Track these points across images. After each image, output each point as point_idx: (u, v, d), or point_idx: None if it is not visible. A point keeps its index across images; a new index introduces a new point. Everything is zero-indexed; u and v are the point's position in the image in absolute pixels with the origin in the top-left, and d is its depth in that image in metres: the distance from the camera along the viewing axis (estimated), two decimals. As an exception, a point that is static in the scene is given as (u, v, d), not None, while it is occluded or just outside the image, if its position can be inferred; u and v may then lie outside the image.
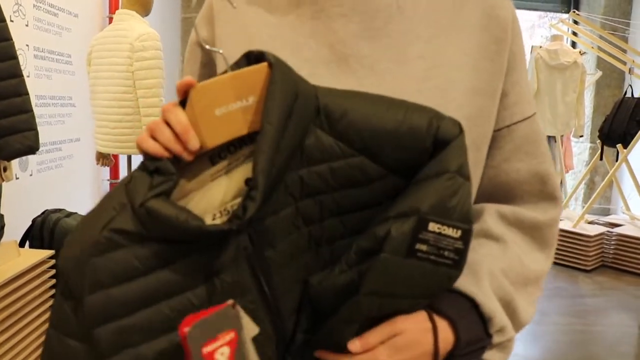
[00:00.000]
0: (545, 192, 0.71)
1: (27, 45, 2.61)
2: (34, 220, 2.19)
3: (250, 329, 0.54)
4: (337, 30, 0.65)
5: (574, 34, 5.56)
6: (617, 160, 4.51)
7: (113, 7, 3.52)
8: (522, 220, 0.69)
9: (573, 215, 4.64)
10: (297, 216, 0.58)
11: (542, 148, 0.71)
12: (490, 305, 0.61)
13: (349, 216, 0.59)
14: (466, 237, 0.55)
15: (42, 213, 2.25)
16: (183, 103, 0.55)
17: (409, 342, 0.57)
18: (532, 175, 0.70)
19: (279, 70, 0.55)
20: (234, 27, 0.70)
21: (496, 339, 0.63)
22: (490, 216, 0.69)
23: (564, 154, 5.25)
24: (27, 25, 2.59)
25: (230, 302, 0.53)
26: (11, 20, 2.44)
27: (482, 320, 0.61)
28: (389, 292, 0.56)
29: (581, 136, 4.89)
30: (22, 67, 1.65)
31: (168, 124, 0.54)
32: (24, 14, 2.56)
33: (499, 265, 0.65)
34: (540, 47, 4.73)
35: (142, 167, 0.54)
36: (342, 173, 0.57)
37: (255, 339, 0.55)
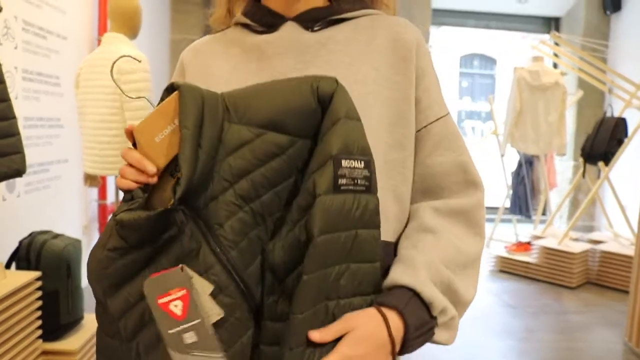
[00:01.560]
0: (468, 180, 0.82)
1: (16, 68, 2.63)
2: (20, 242, 2.19)
3: (205, 286, 0.68)
4: (275, 66, 0.81)
5: (555, 55, 5.68)
6: (599, 178, 4.58)
7: (102, 30, 3.56)
8: (452, 208, 0.81)
9: (558, 233, 4.69)
10: (236, 197, 0.70)
11: (459, 142, 0.84)
12: (429, 291, 0.72)
13: (279, 187, 0.71)
14: (369, 166, 0.69)
15: (29, 235, 2.25)
16: (134, 145, 0.72)
17: (365, 335, 0.67)
18: (455, 167, 0.82)
19: (184, 88, 0.69)
20: (202, 75, 0.87)
21: (440, 319, 0.73)
22: (425, 211, 0.81)
23: (547, 173, 5.33)
24: (16, 48, 2.62)
25: (179, 266, 0.67)
26: (0, 43, 2.46)
27: (425, 305, 0.72)
28: (333, 227, 0.66)
29: (564, 154, 4.97)
30: (11, 89, 1.66)
31: (130, 164, 0.71)
32: (13, 37, 2.59)
33: (435, 254, 0.76)
34: (522, 68, 4.82)
35: (123, 199, 0.72)
36: (259, 150, 0.70)
37: (225, 305, 0.68)
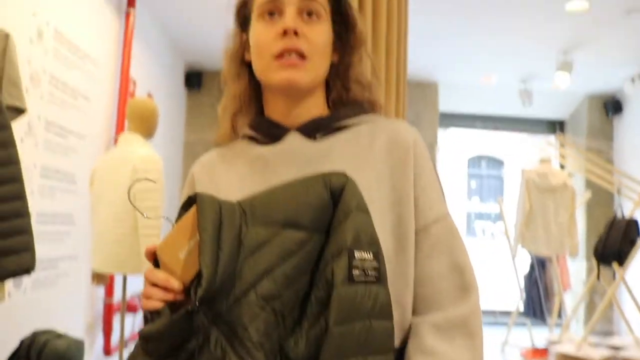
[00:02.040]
0: (464, 284, 0.82)
1: (35, 165, 2.70)
2: (21, 341, 2.14)
3: None
4: (280, 176, 0.82)
5: (562, 156, 5.77)
6: (614, 279, 4.48)
7: (119, 129, 3.69)
8: (451, 321, 0.80)
9: (575, 338, 4.52)
10: (258, 297, 0.71)
11: (457, 242, 0.84)
12: None
13: (298, 284, 0.72)
14: (377, 258, 0.72)
15: (32, 334, 2.20)
16: (156, 263, 0.73)
17: None
18: (451, 270, 0.82)
19: (201, 196, 0.72)
20: (211, 188, 0.88)
21: None
22: (425, 331, 0.80)
23: (560, 274, 5.23)
24: (36, 146, 2.71)
25: None
26: (22, 142, 2.55)
27: None
28: (348, 318, 0.68)
29: (576, 255, 4.91)
30: (28, 185, 1.70)
31: (155, 284, 0.72)
32: (35, 136, 2.68)
33: None
34: (530, 170, 4.88)
35: (146, 320, 0.74)
36: (279, 249, 0.72)
37: None
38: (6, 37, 1.82)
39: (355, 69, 0.93)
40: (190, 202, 0.74)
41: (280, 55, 0.83)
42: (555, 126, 6.75)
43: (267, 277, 0.71)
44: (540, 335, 5.19)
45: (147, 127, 2.88)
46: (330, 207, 0.73)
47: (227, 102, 0.95)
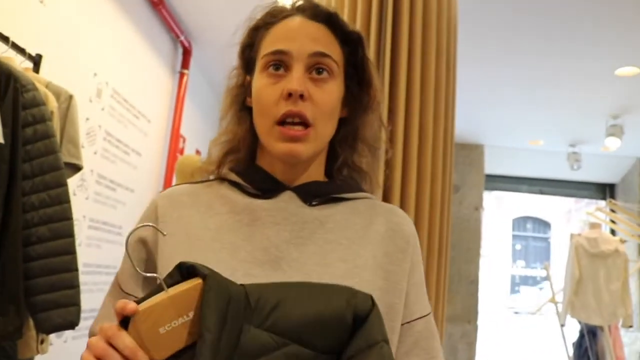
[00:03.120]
0: None
1: (84, 217, 2.79)
2: (60, 393, 2.15)
3: None
4: (270, 236, 0.77)
5: (612, 221, 5.58)
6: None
7: (167, 184, 3.78)
8: None
9: (630, 416, 4.23)
10: None
11: (435, 343, 0.82)
12: None
13: None
14: None
15: (70, 385, 2.21)
16: (122, 322, 0.61)
17: None
18: None
19: (212, 281, 0.62)
20: (179, 228, 0.79)
21: None
22: None
23: (613, 345, 4.95)
24: (87, 199, 2.80)
25: None
26: (74, 194, 2.64)
27: None
28: None
29: (630, 326, 4.65)
30: (76, 237, 1.75)
31: (115, 346, 0.59)
32: (87, 189, 2.78)
33: None
34: (579, 234, 4.73)
35: None
36: None
37: None
38: (70, 97, 1.92)
39: (365, 130, 0.87)
40: (190, 270, 0.64)
41: (282, 120, 0.77)
42: (605, 190, 6.57)
43: None
44: (592, 412, 4.87)
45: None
46: (349, 331, 0.64)
47: (221, 138, 0.87)
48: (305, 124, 0.77)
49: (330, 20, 0.83)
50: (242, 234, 0.77)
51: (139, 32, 3.28)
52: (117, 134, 3.07)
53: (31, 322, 1.66)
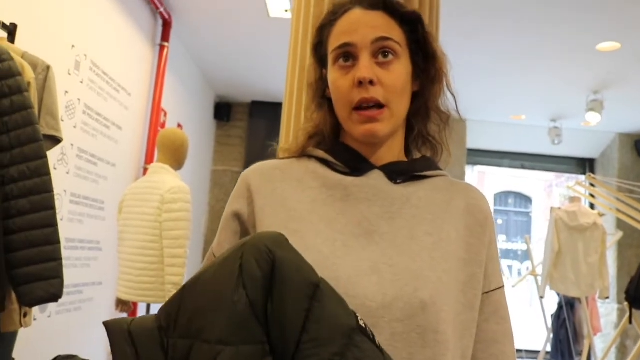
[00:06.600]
0: (512, 350, 0.87)
1: (65, 191, 2.76)
2: (44, 367, 2.15)
3: None
4: (362, 210, 0.83)
5: (592, 195, 5.67)
6: (647, 325, 4.33)
7: (149, 159, 3.75)
8: None
9: (606, 384, 4.36)
10: None
11: (509, 313, 0.89)
12: None
13: None
14: None
15: (54, 358, 2.22)
16: None
17: None
18: (505, 336, 0.86)
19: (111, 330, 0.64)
20: (274, 200, 0.86)
21: None
22: None
23: (590, 316, 5.07)
24: (67, 173, 2.77)
25: None
26: (54, 169, 2.61)
27: None
28: None
29: (607, 298, 4.76)
30: (58, 212, 1.73)
31: None
32: (67, 163, 2.75)
33: None
34: (559, 208, 4.80)
35: None
36: None
37: None
38: (47, 68, 1.88)
39: (436, 100, 0.93)
40: None
41: (358, 106, 0.83)
42: (585, 165, 6.65)
43: None
44: (568, 380, 5.02)
45: (176, 158, 2.93)
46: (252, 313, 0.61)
47: (307, 125, 0.96)
48: (379, 105, 0.83)
49: (386, 6, 0.88)
50: (336, 208, 0.83)
51: (118, 3, 3.22)
52: (97, 107, 3.02)
53: (14, 296, 1.65)
